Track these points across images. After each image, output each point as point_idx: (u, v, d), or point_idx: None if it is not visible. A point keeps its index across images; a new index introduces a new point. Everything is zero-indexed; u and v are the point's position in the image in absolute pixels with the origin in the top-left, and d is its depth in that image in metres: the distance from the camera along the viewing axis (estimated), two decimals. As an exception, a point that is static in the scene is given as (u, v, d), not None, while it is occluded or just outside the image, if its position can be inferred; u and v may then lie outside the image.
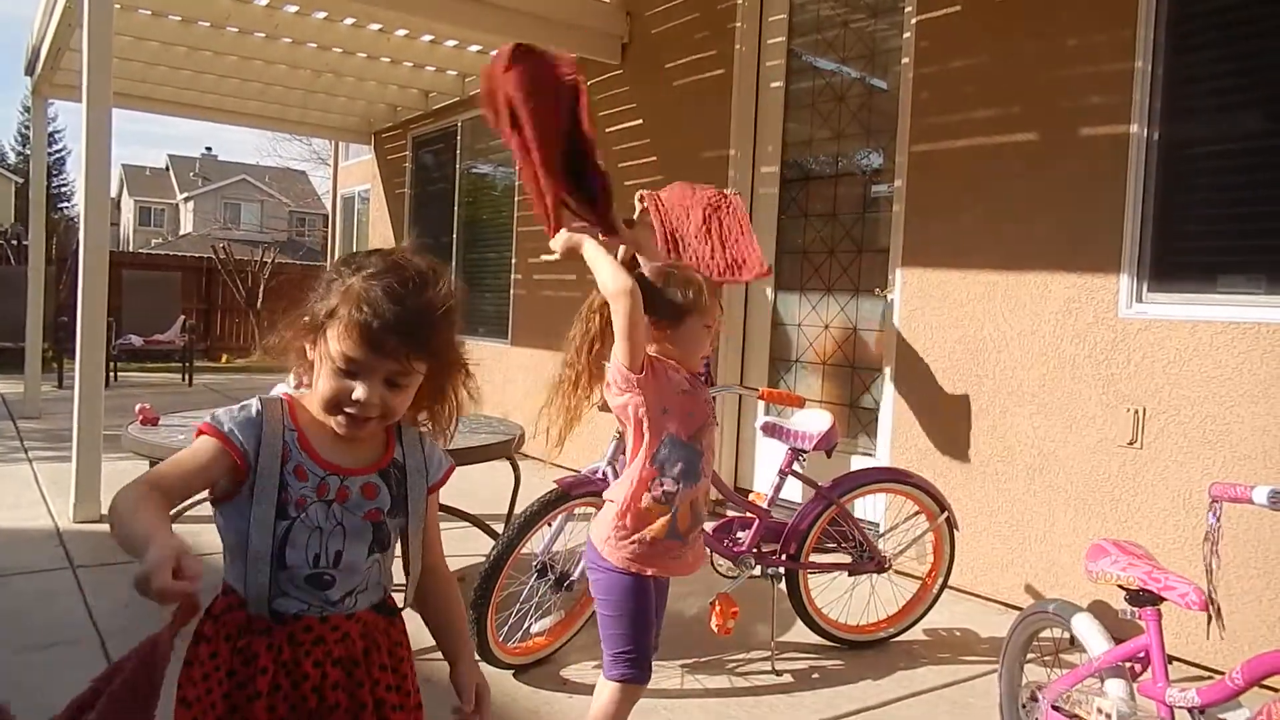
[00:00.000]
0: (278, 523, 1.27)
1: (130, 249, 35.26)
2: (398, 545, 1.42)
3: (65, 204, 38.84)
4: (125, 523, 1.13)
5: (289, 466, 1.29)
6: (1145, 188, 3.45)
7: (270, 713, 1.27)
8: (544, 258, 2.48)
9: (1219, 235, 3.38)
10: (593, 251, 2.12)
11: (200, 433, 1.30)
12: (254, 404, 1.32)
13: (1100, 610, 3.05)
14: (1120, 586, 2.07)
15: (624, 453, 2.18)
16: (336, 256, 12.66)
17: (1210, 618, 1.94)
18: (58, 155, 41.70)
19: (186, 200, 46.97)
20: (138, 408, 3.67)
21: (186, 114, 8.92)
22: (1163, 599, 2.00)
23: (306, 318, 1.33)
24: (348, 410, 1.30)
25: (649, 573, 2.11)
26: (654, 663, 3.05)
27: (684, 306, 2.10)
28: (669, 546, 2.11)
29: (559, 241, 2.24)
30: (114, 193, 49.23)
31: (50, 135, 28.79)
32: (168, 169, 49.81)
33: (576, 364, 2.19)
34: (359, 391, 1.29)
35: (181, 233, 44.04)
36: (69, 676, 2.83)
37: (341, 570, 1.31)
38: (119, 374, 11.18)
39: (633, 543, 2.08)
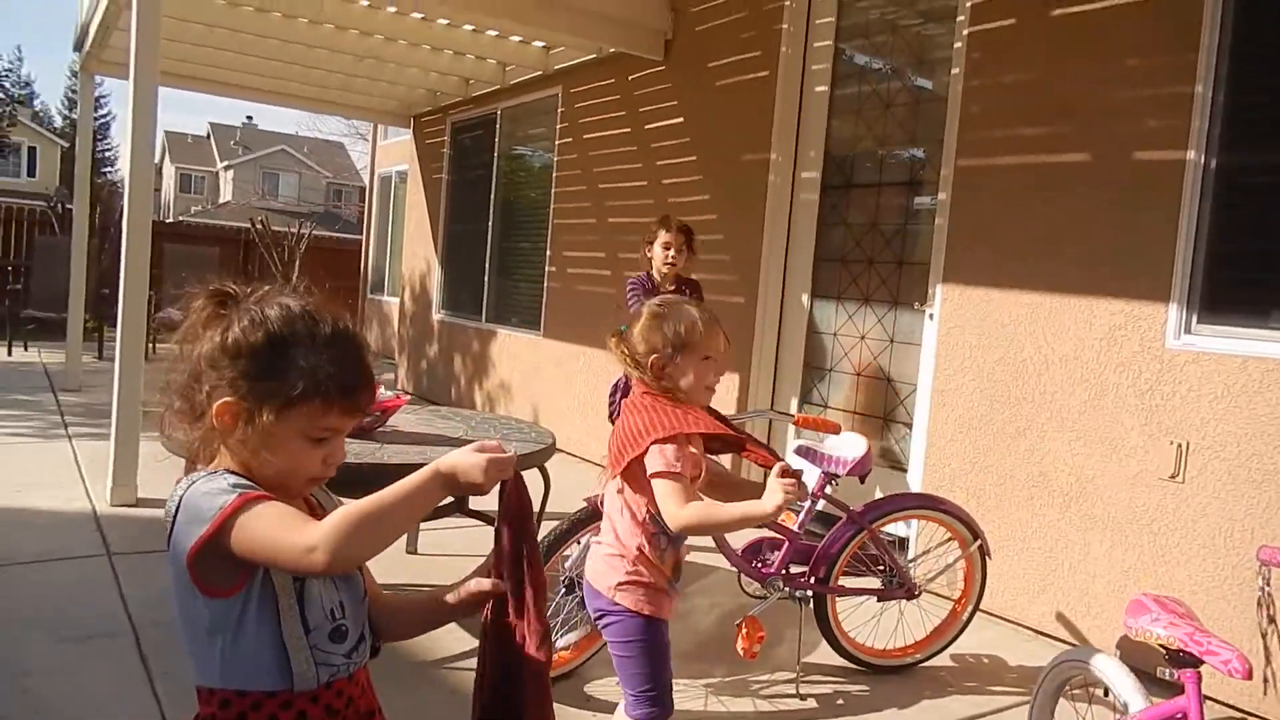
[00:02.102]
0: (291, 587, 1.24)
1: (171, 216, 35.75)
2: None
3: (109, 169, 39.41)
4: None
5: None
6: (1199, 216, 3.36)
7: None
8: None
9: (1274, 269, 3.29)
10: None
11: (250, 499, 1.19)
12: (227, 483, 1.21)
13: (1133, 648, 3.01)
14: (1161, 646, 2.03)
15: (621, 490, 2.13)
16: (370, 240, 12.72)
17: (1265, 680, 1.89)
18: (103, 120, 42.28)
19: (227, 169, 47.46)
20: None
21: (229, 93, 9.00)
22: (1203, 662, 1.96)
23: (242, 403, 1.24)
24: (317, 476, 1.30)
25: (659, 614, 2.10)
26: (679, 682, 3.06)
27: (677, 344, 2.06)
28: (665, 594, 2.11)
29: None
30: (156, 159, 49.87)
31: (96, 100, 29.07)
32: (209, 137, 50.31)
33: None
34: (335, 453, 1.30)
35: (221, 201, 44.51)
36: (104, 670, 2.88)
37: (349, 618, 1.30)
38: (157, 347, 11.37)
39: (644, 587, 2.07)
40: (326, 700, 1.27)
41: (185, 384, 1.29)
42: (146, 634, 3.14)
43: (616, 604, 2.08)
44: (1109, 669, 2.23)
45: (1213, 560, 3.26)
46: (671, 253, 4.15)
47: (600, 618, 2.13)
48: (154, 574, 3.62)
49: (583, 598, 3.00)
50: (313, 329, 1.28)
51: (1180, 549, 3.35)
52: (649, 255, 4.25)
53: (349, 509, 1.16)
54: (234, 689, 1.23)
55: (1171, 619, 2.05)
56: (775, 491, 1.93)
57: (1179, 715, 2.02)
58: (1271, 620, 1.90)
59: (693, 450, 2.06)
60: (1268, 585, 1.91)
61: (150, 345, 10.92)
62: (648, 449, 2.01)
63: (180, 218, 32.94)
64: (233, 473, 1.24)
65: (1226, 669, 1.88)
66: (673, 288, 4.16)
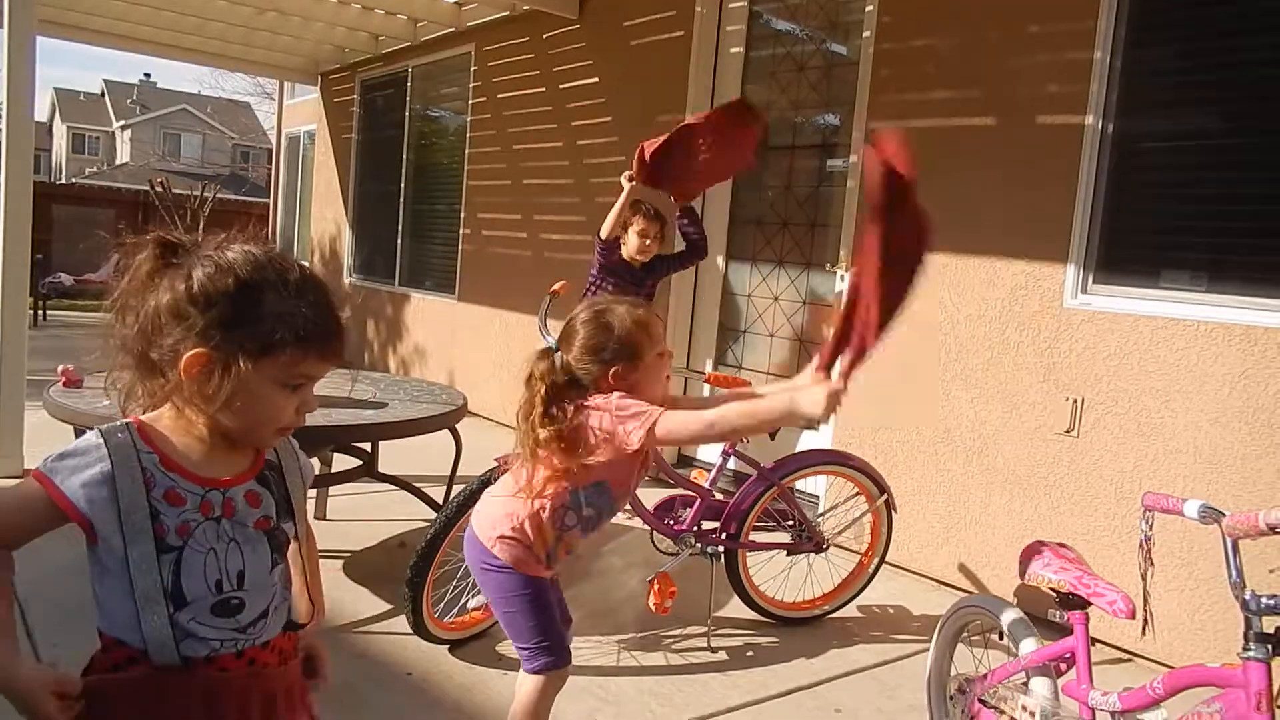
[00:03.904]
0: (161, 558, 1.16)
1: (64, 178, 33.96)
2: None
3: (-7, 127, 37.18)
4: None
5: (156, 494, 1.17)
6: (1097, 180, 3.47)
7: None
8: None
9: (1165, 231, 3.42)
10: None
11: (34, 479, 1.16)
12: (93, 444, 1.17)
13: (1028, 597, 3.13)
14: (1051, 589, 2.11)
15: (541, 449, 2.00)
16: (278, 203, 12.32)
17: (1144, 621, 1.98)
18: (-15, 74, 39.76)
19: (124, 129, 45.16)
20: (60, 369, 3.52)
21: (120, 45, 8.51)
22: (1090, 604, 2.04)
23: (215, 353, 1.18)
24: (287, 425, 1.27)
25: (534, 574, 2.03)
26: (591, 639, 3.06)
27: (633, 350, 1.96)
28: (540, 565, 2.04)
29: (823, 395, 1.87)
30: (44, 117, 47.20)
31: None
32: (103, 95, 47.74)
33: (531, 436, 1.96)
34: (309, 401, 1.27)
35: (118, 162, 42.40)
36: None
37: (249, 590, 1.23)
38: (48, 313, 10.82)
39: (523, 549, 2.00)
40: (205, 674, 1.20)
41: (137, 339, 1.21)
42: (32, 609, 2.99)
43: (495, 557, 2.01)
44: (1003, 613, 2.30)
45: (1105, 510, 3.40)
46: (647, 241, 4.10)
47: (481, 571, 2.05)
48: (41, 549, 3.45)
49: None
50: (282, 274, 1.23)
51: (1074, 500, 3.49)
52: (624, 241, 4.16)
53: None
54: (114, 637, 1.19)
55: (1062, 564, 2.13)
56: (820, 394, 1.81)
57: (1067, 654, 2.10)
58: (1151, 563, 1.98)
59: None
60: (1150, 529, 1.99)
61: (39, 311, 10.44)
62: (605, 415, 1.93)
63: (73, 179, 31.28)
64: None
65: (1112, 609, 1.95)
66: (643, 266, 4.14)
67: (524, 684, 2.07)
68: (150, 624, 1.16)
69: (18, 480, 4.20)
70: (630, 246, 4.09)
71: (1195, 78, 3.34)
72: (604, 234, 4.07)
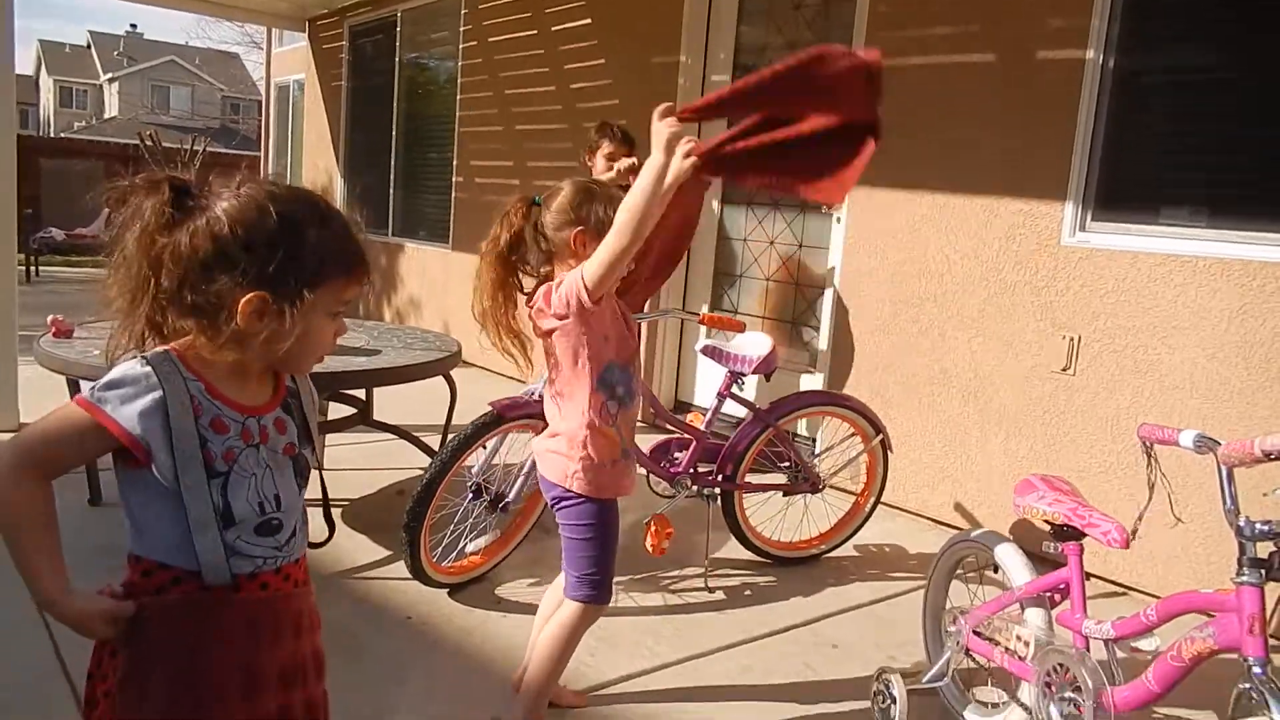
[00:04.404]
0: (210, 482, 1.20)
1: (52, 131, 33.53)
2: None
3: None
4: (19, 545, 1.17)
5: (203, 421, 1.21)
6: (1096, 116, 3.41)
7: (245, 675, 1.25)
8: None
9: (1164, 167, 3.38)
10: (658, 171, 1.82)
11: (78, 405, 1.18)
12: (142, 372, 1.19)
13: (1025, 531, 3.15)
14: (1046, 521, 2.12)
15: (555, 379, 2.12)
16: (269, 154, 12.17)
17: (1134, 531, 1.96)
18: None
19: (111, 81, 44.49)
20: (49, 319, 3.49)
21: (103, -9, 8.32)
22: (1085, 535, 2.05)
23: (268, 294, 1.19)
24: (329, 351, 1.33)
25: (613, 495, 2.12)
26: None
27: (606, 224, 1.97)
28: (622, 467, 2.12)
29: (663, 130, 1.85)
30: (30, 70, 46.48)
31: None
32: (89, 47, 46.94)
33: (493, 268, 2.09)
34: (342, 326, 1.32)
35: (106, 116, 41.85)
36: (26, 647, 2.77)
37: (285, 511, 1.29)
38: (40, 269, 10.74)
39: (597, 469, 2.07)
40: (249, 591, 1.26)
41: (172, 290, 1.19)
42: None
43: (571, 491, 2.08)
44: (997, 546, 2.31)
45: (1100, 446, 3.41)
46: (617, 166, 3.95)
47: (556, 503, 2.13)
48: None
49: (490, 501, 3.01)
50: (312, 205, 1.26)
51: (1070, 437, 3.49)
52: (590, 165, 4.03)
53: (20, 485, 1.18)
54: (156, 560, 1.23)
55: (1056, 496, 2.13)
56: (660, 132, 1.81)
57: (1062, 585, 2.12)
58: (1159, 476, 1.98)
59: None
60: (1155, 461, 1.99)
61: (31, 267, 10.36)
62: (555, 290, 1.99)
63: (61, 134, 30.92)
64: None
65: (1106, 539, 1.96)
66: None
67: (564, 611, 2.15)
68: (204, 545, 1.21)
69: (12, 433, 4.23)
70: (598, 169, 3.88)
71: (1196, 12, 3.27)
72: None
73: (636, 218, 1.82)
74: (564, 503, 2.11)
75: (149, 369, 1.19)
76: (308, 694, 1.34)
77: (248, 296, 1.18)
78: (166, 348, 1.23)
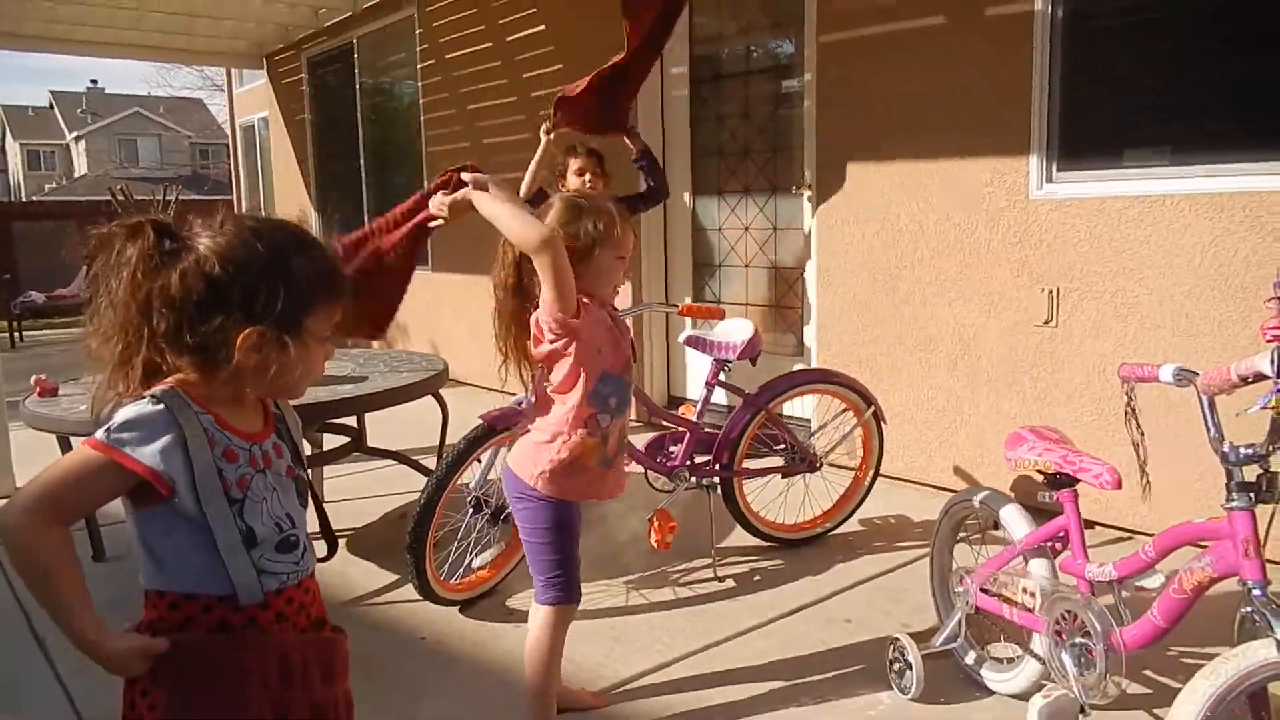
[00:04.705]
0: (230, 509, 1.23)
1: (22, 197, 33.43)
2: None
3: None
4: (51, 592, 1.17)
5: (217, 452, 1.23)
6: (1050, 66, 3.43)
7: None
8: (431, 225, 2.39)
9: (1124, 110, 3.39)
10: (490, 205, 1.96)
11: (94, 448, 1.18)
12: (155, 410, 1.20)
13: (1025, 486, 3.16)
14: (1038, 471, 2.13)
15: (546, 380, 2.13)
16: (240, 196, 12.15)
17: (1145, 485, 1.99)
18: (-73, 101, 38.94)
19: (77, 140, 44.37)
20: (33, 379, 3.50)
21: (58, 48, 8.32)
22: (1078, 480, 2.06)
23: (265, 327, 1.21)
24: (320, 373, 1.36)
25: (575, 499, 2.12)
26: (599, 583, 3.10)
27: (595, 239, 2.02)
28: (600, 474, 2.13)
29: (439, 202, 2.22)
30: (-7, 137, 46.26)
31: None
32: (52, 106, 46.82)
33: (507, 305, 2.10)
34: (331, 349, 1.34)
35: (76, 175, 41.73)
36: (5, 648, 2.77)
37: (298, 528, 1.33)
38: (24, 334, 10.71)
39: (565, 474, 2.08)
40: (278, 607, 1.29)
41: (169, 332, 1.21)
42: (37, 614, 3.00)
43: (533, 489, 2.09)
44: (994, 502, 2.33)
45: (1089, 394, 3.43)
46: (587, 177, 3.99)
47: (516, 499, 2.14)
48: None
49: (491, 514, 3.01)
50: (291, 234, 1.28)
51: (1059, 389, 3.51)
52: (564, 188, 4.06)
53: (45, 528, 1.18)
54: (182, 592, 1.24)
55: (1046, 445, 2.15)
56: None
57: (1061, 533, 2.13)
58: (1142, 431, 1.99)
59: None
60: (1133, 398, 2.00)
61: (14, 334, 10.35)
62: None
63: (32, 198, 30.85)
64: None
65: (1098, 482, 1.97)
66: None
67: (534, 616, 2.17)
68: (237, 568, 1.24)
69: (5, 499, 4.23)
70: (572, 188, 3.90)
71: (1139, -51, 3.29)
72: (523, 193, 3.95)
73: (518, 236, 1.93)
74: (524, 501, 2.12)
75: (161, 406, 1.20)
76: None
77: (246, 332, 1.20)
78: (171, 384, 1.24)
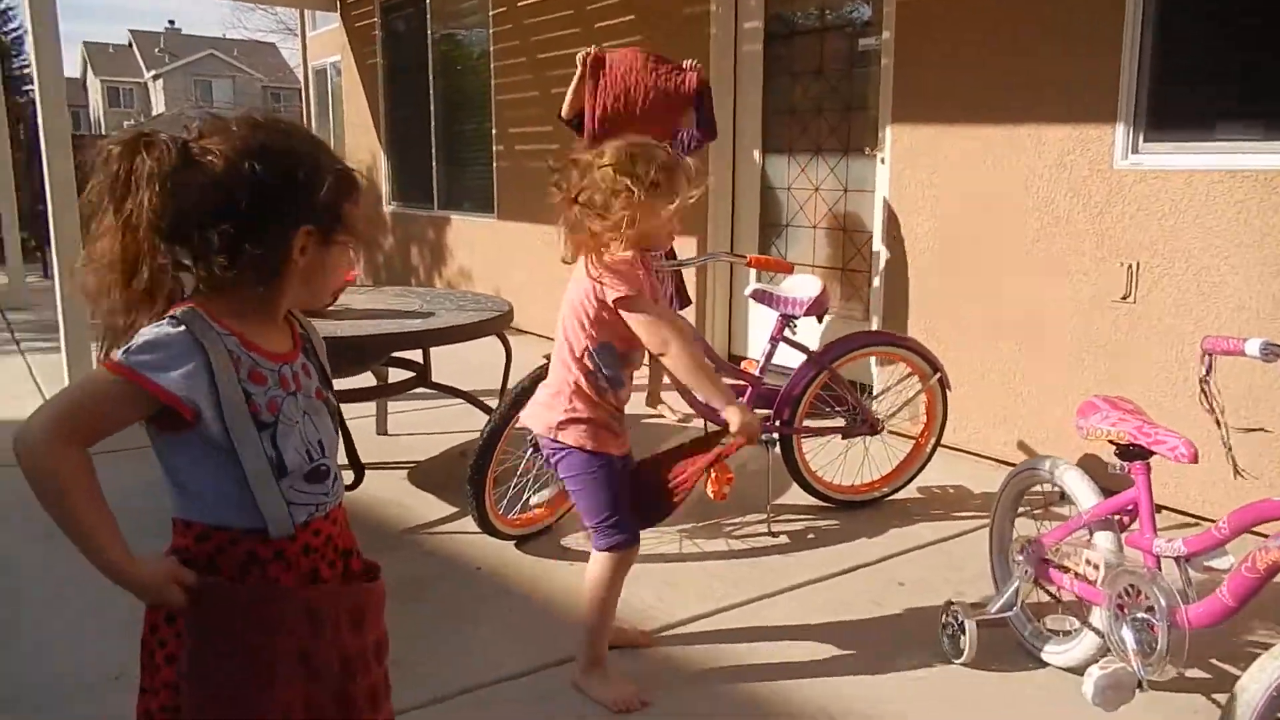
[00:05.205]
0: (261, 435, 1.18)
1: (103, 132, 34.22)
2: None
3: (31, 86, 37.47)
4: (73, 515, 1.11)
5: (242, 374, 1.17)
6: (1142, 32, 3.30)
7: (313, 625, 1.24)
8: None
9: (1216, 81, 3.26)
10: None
11: (112, 371, 1.12)
12: (177, 333, 1.13)
13: (1090, 465, 3.11)
14: (1111, 441, 2.09)
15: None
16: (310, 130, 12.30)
17: (1233, 468, 1.94)
18: (15, 34, 39.93)
19: (155, 79, 45.35)
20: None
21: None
22: (1152, 453, 2.02)
23: (313, 227, 1.18)
24: (342, 284, 1.33)
25: (603, 451, 2.12)
26: (654, 531, 3.12)
27: (657, 183, 1.99)
28: (614, 430, 2.15)
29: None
30: (77, 73, 47.45)
31: (2, 13, 27.33)
32: (131, 45, 47.85)
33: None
34: (348, 255, 1.31)
35: (154, 113, 42.66)
36: (71, 559, 2.89)
37: (328, 456, 1.27)
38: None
39: (584, 424, 2.10)
40: (304, 539, 1.25)
41: (222, 246, 1.13)
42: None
43: (559, 441, 2.11)
44: (1061, 470, 2.29)
45: (1165, 376, 3.34)
46: None
47: (550, 455, 2.17)
48: (115, 474, 3.59)
49: (551, 454, 3.03)
50: (305, 131, 1.25)
51: (1135, 368, 3.43)
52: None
53: (62, 449, 1.11)
54: (210, 523, 1.20)
55: (1120, 415, 2.11)
56: (740, 416, 2.03)
57: (1130, 506, 2.10)
58: (1216, 402, 1.94)
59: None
60: (1208, 373, 1.95)
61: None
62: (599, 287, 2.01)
63: (112, 132, 31.62)
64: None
65: (1174, 455, 1.93)
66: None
67: (593, 563, 2.19)
68: (266, 499, 1.19)
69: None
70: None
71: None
72: (565, 113, 4.03)
73: (671, 366, 2.08)
74: (556, 455, 2.14)
75: (183, 329, 1.14)
76: (370, 681, 1.32)
77: (305, 229, 1.17)
78: (191, 304, 1.17)
